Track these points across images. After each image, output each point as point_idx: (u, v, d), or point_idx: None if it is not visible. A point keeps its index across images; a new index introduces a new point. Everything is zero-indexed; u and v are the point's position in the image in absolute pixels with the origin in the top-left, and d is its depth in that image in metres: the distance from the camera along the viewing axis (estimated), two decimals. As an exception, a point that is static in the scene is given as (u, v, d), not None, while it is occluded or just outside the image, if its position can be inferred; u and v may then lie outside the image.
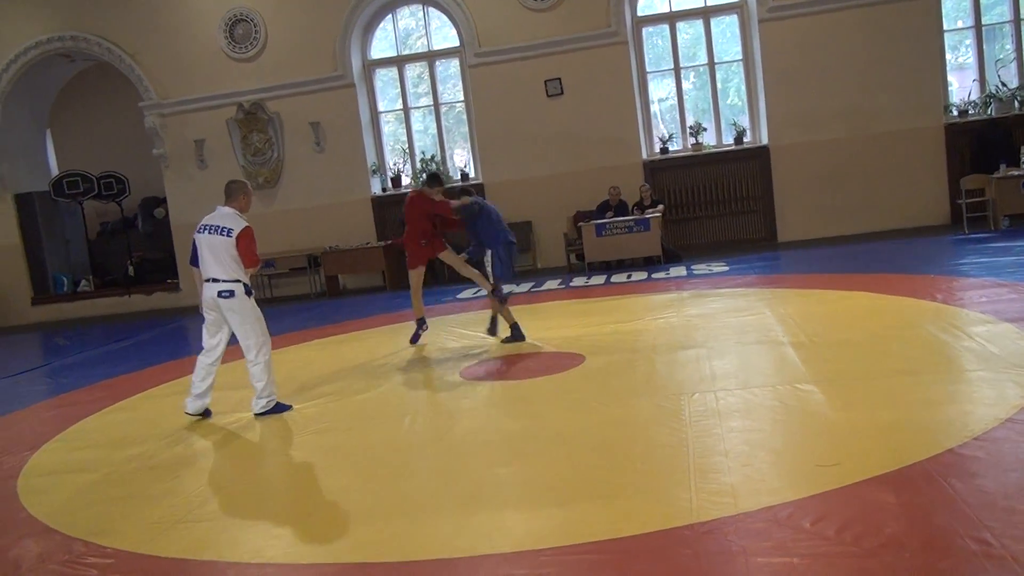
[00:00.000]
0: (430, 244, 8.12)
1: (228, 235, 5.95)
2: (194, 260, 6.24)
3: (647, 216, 12.52)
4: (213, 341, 6.21)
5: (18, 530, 4.42)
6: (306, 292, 14.52)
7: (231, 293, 5.97)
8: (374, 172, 14.62)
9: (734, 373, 5.85)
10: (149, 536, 4.11)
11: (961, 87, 13.39)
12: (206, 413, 6.31)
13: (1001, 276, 8.22)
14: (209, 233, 6.01)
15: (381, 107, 14.93)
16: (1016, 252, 9.64)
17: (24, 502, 4.87)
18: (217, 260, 5.97)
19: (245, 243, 5.97)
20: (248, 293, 6.07)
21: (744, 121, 13.81)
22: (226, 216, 6.06)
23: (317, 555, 3.70)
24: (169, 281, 15.57)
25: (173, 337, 11.95)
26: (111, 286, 16.32)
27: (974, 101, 13.05)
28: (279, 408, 6.22)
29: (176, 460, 5.42)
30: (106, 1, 14.69)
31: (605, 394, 5.72)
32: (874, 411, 4.68)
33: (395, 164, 14.86)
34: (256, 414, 6.16)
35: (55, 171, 16.66)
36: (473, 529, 3.74)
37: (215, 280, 5.99)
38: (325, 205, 14.52)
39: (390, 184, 14.67)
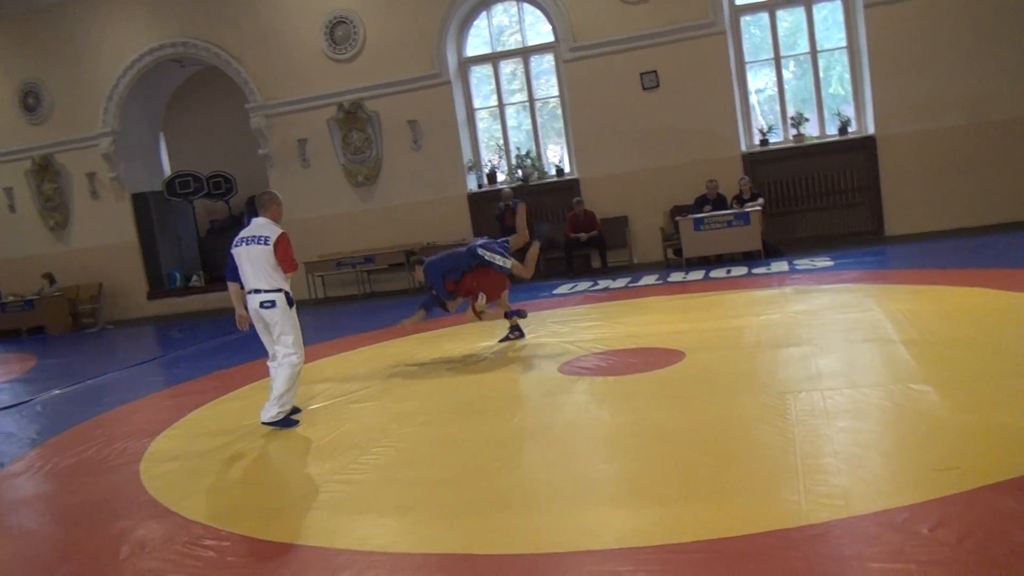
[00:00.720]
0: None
1: (266, 243, 5.97)
2: (229, 275, 6.31)
3: (747, 210, 12.25)
4: (272, 346, 6.21)
5: (142, 512, 4.66)
6: (404, 288, 14.78)
7: (272, 303, 5.98)
8: (470, 169, 14.76)
9: (842, 372, 5.67)
10: (262, 521, 4.26)
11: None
12: (294, 411, 6.31)
13: None
14: (247, 244, 6.03)
15: (476, 104, 15.06)
16: None
17: (146, 486, 5.13)
18: (257, 270, 5.98)
19: (282, 248, 5.98)
20: (290, 303, 6.06)
21: (848, 111, 13.35)
22: (262, 226, 6.08)
23: (422, 545, 3.77)
24: (274, 276, 16.07)
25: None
26: (220, 281, 16.97)
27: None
28: (287, 423, 6.11)
29: (284, 449, 5.61)
30: (214, 8, 15.28)
31: (707, 391, 5.63)
32: (995, 413, 4.46)
33: (490, 161, 14.97)
34: (263, 422, 6.07)
35: (168, 171, 17.45)
36: (576, 524, 3.74)
37: (257, 291, 6.00)
38: (422, 202, 14.76)
39: (486, 180, 14.79)
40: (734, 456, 4.36)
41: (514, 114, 15.21)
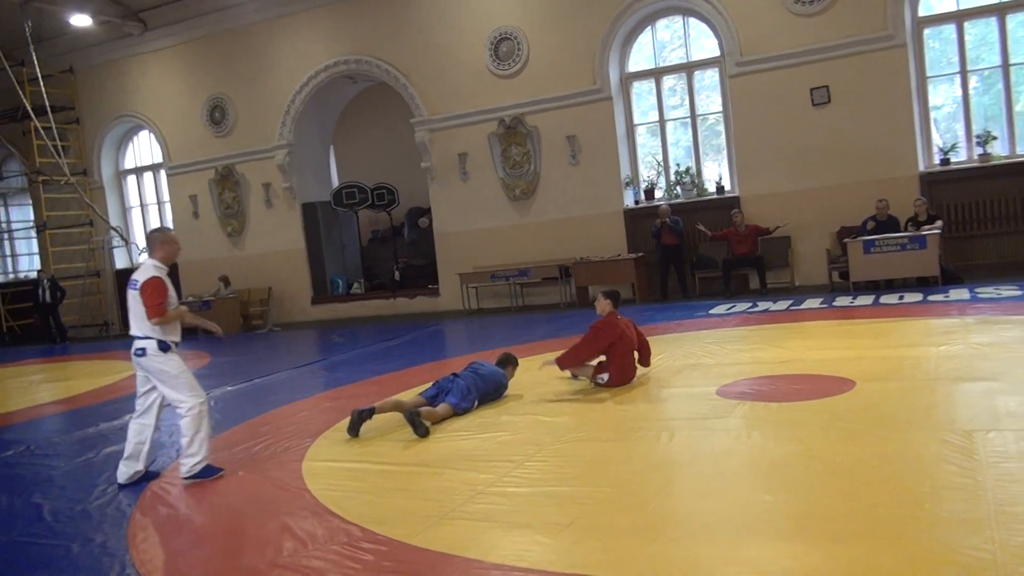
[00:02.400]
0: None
1: (135, 287, 5.61)
2: None
3: (923, 232, 11.48)
4: (142, 399, 5.79)
5: (305, 509, 4.82)
6: (556, 302, 14.79)
7: (143, 351, 5.58)
8: (627, 185, 14.61)
9: (1038, 411, 5.16)
10: (417, 528, 4.30)
11: None
12: (149, 476, 5.85)
13: None
14: (130, 288, 5.68)
15: (636, 119, 14.90)
16: None
17: (309, 484, 5.31)
18: (134, 315, 5.63)
19: (147, 293, 5.52)
20: (164, 349, 5.57)
21: (1044, 128, 12.31)
22: (142, 268, 5.68)
23: (578, 566, 3.67)
24: (430, 287, 16.51)
25: (433, 340, 12.63)
26: (379, 289, 17.60)
27: None
28: (207, 472, 5.66)
29: (440, 457, 5.65)
30: (385, 26, 15.89)
31: (881, 424, 5.26)
32: None
33: (648, 177, 14.77)
34: (183, 477, 5.64)
35: (335, 182, 18.27)
36: (740, 557, 3.55)
37: (133, 337, 5.64)
38: (578, 217, 14.73)
39: (643, 197, 14.60)
40: (915, 496, 4.02)
41: (672, 130, 14.94)
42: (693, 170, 14.44)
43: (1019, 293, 9.94)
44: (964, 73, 12.78)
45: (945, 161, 12.68)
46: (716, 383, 6.87)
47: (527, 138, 14.96)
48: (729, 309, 11.43)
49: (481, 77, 15.20)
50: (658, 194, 14.57)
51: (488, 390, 7.06)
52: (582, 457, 5.29)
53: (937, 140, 12.99)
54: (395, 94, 16.38)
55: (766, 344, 8.50)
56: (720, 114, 14.27)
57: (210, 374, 11.06)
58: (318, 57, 16.57)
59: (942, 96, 13.27)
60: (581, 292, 14.50)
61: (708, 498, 4.38)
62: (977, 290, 10.55)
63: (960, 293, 10.52)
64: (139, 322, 5.60)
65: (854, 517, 3.86)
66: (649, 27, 14.53)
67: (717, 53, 13.92)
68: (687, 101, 14.61)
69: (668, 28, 14.74)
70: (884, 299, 10.83)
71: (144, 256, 5.87)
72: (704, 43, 14.27)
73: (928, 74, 12.92)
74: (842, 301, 11.10)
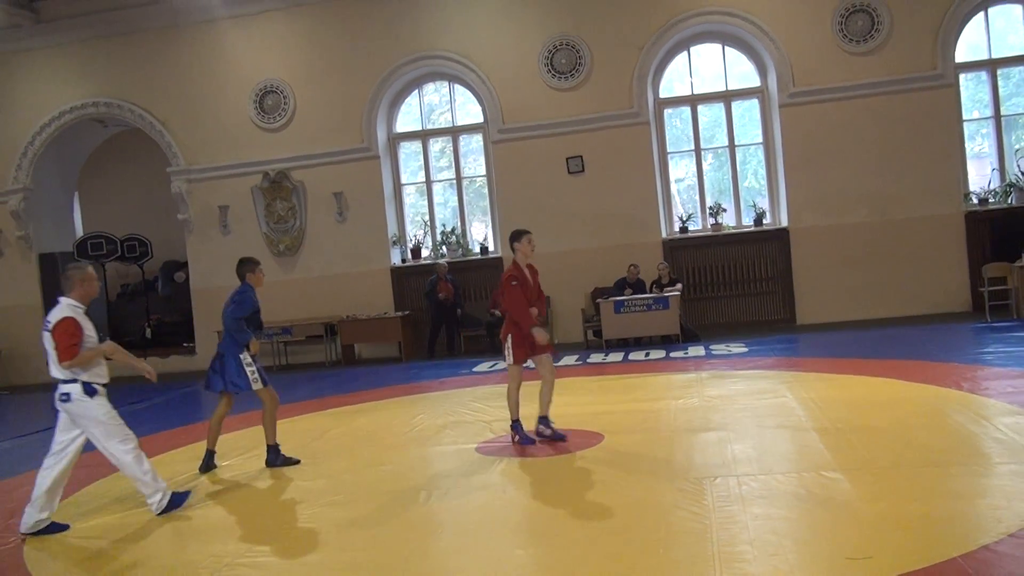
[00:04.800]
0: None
1: (47, 328, 5.38)
2: None
3: (666, 294, 12.50)
4: (62, 441, 5.52)
5: (24, 597, 4.33)
6: (321, 360, 14.48)
7: (68, 396, 5.33)
8: (394, 243, 14.73)
9: (757, 458, 5.73)
10: (157, 608, 4.00)
11: (979, 175, 13.43)
12: (52, 527, 5.44)
13: (1027, 366, 8.10)
14: (43, 330, 5.44)
15: (404, 179, 15.13)
16: (1041, 342, 9.53)
17: (31, 569, 4.78)
18: (51, 359, 5.39)
19: (58, 334, 5.28)
20: (90, 393, 5.36)
21: (763, 203, 13.89)
22: (57, 308, 5.43)
23: (329, 635, 3.58)
24: (185, 345, 15.60)
25: (187, 401, 11.90)
26: (128, 348, 16.27)
27: (994, 190, 13.08)
28: (176, 501, 5.63)
29: (186, 528, 5.32)
30: (142, 70, 15.10)
31: (625, 475, 5.61)
32: (904, 503, 4.55)
33: (415, 236, 14.98)
34: (157, 514, 5.54)
35: (80, 232, 16.89)
36: (491, 613, 3.62)
37: (56, 382, 5.40)
38: (344, 274, 14.61)
39: (410, 255, 14.76)
40: (652, 543, 4.31)
41: (440, 191, 15.31)
42: (459, 230, 14.83)
43: (746, 350, 11.05)
44: (698, 151, 14.20)
45: (684, 229, 13.94)
46: (476, 440, 7.02)
47: (292, 193, 14.70)
48: (492, 367, 11.73)
49: (244, 129, 14.80)
50: (424, 253, 14.79)
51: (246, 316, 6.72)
52: (338, 521, 5.17)
53: (679, 210, 14.27)
54: (150, 141, 15.51)
55: (524, 401, 8.69)
56: (485, 177, 14.83)
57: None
58: (64, 97, 15.38)
59: (683, 170, 14.63)
60: (347, 350, 14.31)
61: (463, 556, 4.44)
62: (712, 347, 11.60)
63: (697, 350, 11.51)
64: (58, 365, 5.33)
65: (597, 565, 4.07)
66: (416, 90, 14.89)
67: (481, 119, 14.50)
68: (454, 163, 15.05)
69: (436, 92, 15.18)
70: (633, 355, 11.61)
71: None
72: (471, 108, 14.83)
73: (669, 150, 14.22)
74: (595, 358, 11.78)
